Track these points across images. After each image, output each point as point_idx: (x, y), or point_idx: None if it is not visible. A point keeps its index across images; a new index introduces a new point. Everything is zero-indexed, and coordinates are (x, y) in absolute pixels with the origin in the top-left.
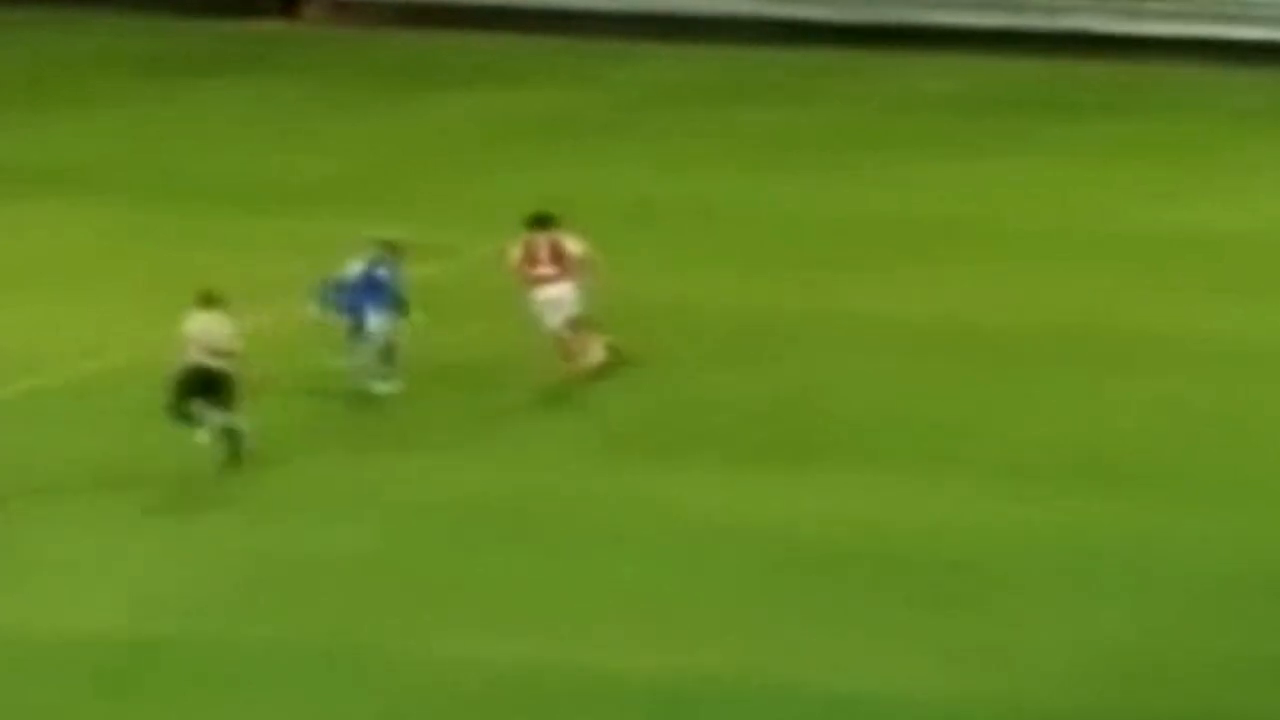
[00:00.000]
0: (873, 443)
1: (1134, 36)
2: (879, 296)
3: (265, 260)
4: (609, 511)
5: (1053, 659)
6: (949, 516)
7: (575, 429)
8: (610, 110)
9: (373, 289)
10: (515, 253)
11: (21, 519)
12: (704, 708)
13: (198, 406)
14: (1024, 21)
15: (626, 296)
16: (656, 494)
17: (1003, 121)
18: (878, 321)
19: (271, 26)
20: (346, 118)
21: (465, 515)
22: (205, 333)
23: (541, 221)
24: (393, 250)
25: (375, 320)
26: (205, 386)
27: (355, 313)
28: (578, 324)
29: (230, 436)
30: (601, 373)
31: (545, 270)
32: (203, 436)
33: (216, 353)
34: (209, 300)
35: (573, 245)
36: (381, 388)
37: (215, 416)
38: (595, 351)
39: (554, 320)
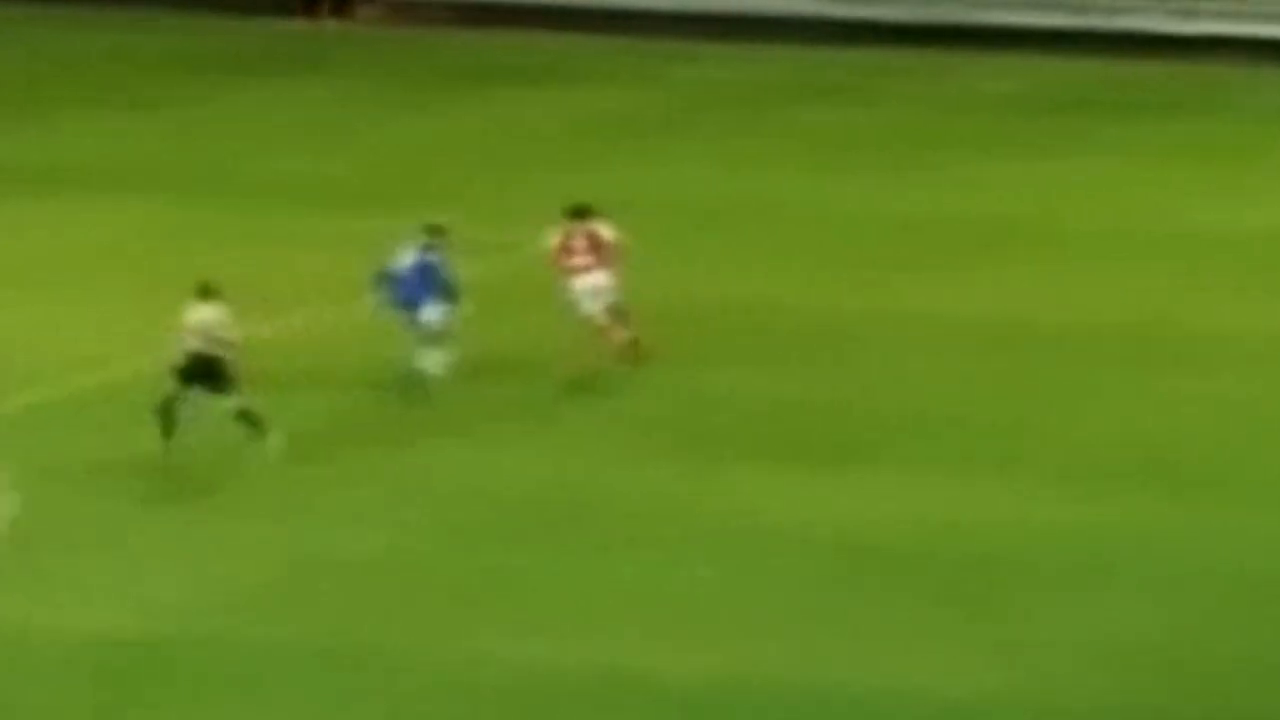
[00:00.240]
0: (932, 442)
1: (1193, 36)
2: (939, 296)
3: (322, 257)
4: (652, 510)
5: (1114, 657)
6: (1006, 515)
7: (623, 425)
8: (672, 110)
9: (426, 278)
10: (553, 242)
11: (43, 515)
12: (735, 709)
13: (196, 395)
14: (1084, 22)
15: (687, 295)
16: (703, 494)
17: (1062, 121)
18: (938, 321)
19: (327, 26)
20: (404, 117)
21: (502, 511)
22: (204, 323)
23: (579, 212)
24: (439, 234)
25: (431, 309)
26: (205, 374)
27: (413, 306)
28: (615, 311)
29: (245, 417)
30: (632, 365)
31: (582, 260)
32: (276, 439)
33: (217, 342)
34: (207, 292)
35: (607, 233)
36: (435, 371)
37: (224, 402)
38: (622, 337)
39: (592, 307)
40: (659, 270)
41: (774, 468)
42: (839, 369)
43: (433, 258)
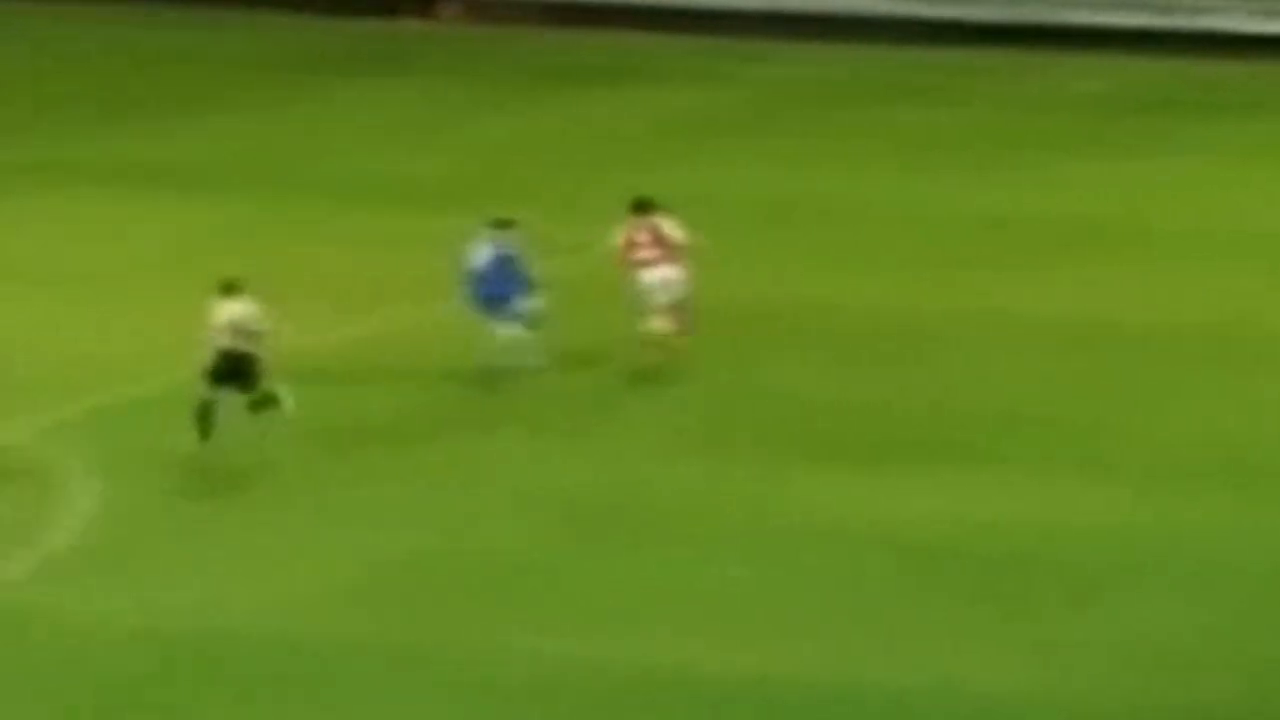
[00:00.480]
0: (1013, 443)
1: (1277, 36)
2: (1022, 296)
3: (402, 256)
4: (715, 509)
5: (1200, 658)
6: (1088, 516)
7: (694, 423)
8: (751, 109)
9: (508, 271)
10: (619, 238)
11: (119, 511)
12: (769, 707)
13: (228, 395)
14: (1168, 22)
15: (761, 294)
16: (781, 494)
17: (1146, 121)
18: (1021, 321)
19: (408, 25)
20: (485, 116)
21: (567, 507)
22: (234, 320)
23: (642, 206)
24: (506, 227)
25: (523, 300)
26: (234, 372)
27: (501, 300)
28: (683, 306)
29: (259, 404)
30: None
31: (647, 254)
32: (285, 395)
33: (249, 335)
34: (230, 288)
35: (671, 229)
36: (535, 361)
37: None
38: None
39: (662, 300)
40: (738, 269)
41: (842, 468)
42: (920, 369)
43: (509, 251)
